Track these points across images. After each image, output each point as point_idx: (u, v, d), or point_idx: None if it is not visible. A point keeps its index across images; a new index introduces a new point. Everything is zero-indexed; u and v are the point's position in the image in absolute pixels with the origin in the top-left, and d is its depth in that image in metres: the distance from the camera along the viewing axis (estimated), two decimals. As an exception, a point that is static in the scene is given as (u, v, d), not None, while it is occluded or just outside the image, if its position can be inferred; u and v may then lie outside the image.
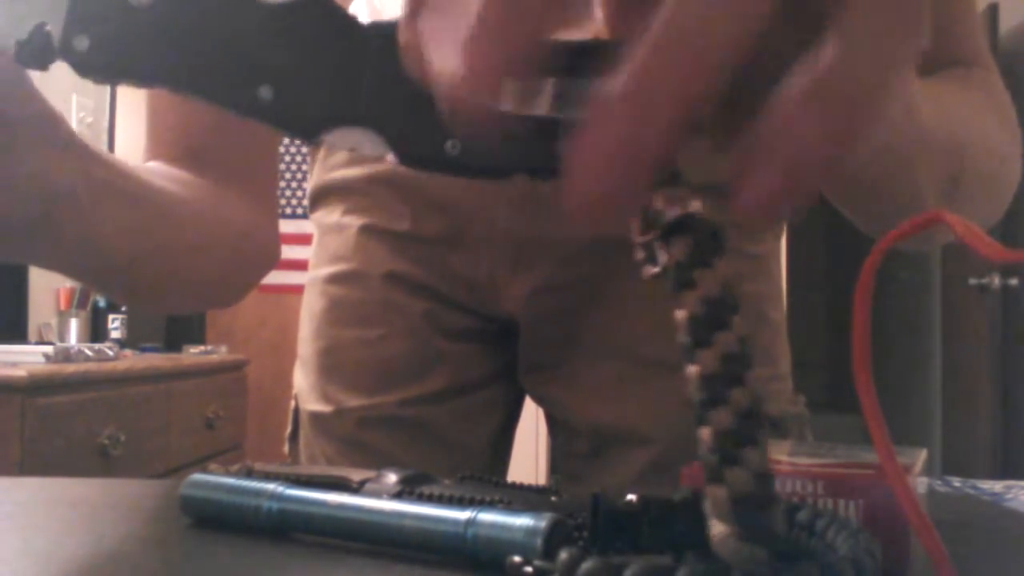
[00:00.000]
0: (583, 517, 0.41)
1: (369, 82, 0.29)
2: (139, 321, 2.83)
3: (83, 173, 0.45)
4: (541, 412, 0.81)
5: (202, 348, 2.95)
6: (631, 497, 0.32)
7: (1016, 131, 0.60)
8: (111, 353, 2.30)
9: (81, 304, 2.66)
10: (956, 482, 0.74)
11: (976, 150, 0.55)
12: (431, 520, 0.36)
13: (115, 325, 2.80)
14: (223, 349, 3.02)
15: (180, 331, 2.98)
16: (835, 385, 4.20)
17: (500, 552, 0.34)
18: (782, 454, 0.45)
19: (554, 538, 0.34)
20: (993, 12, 2.87)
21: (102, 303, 2.79)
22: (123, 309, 2.80)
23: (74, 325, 2.61)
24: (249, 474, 0.44)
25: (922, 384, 3.56)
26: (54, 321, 2.62)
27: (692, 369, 0.23)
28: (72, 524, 0.45)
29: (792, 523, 0.31)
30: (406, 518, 0.36)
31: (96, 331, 2.73)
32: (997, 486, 0.70)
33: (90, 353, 2.16)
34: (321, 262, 0.80)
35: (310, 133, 0.29)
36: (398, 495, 0.41)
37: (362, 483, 0.43)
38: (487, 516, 0.35)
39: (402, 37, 0.25)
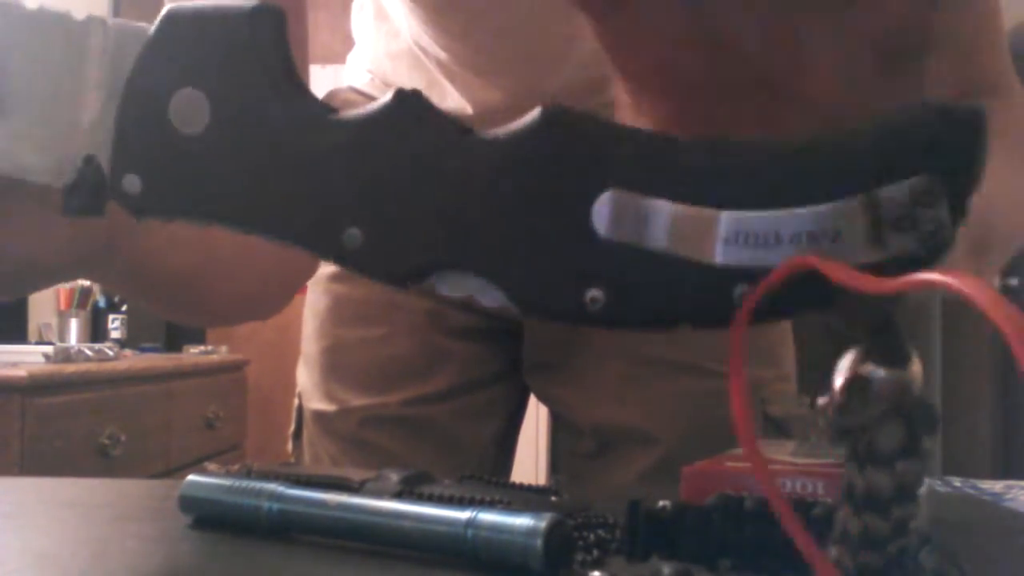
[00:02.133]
0: (583, 517, 0.41)
1: (479, 214, 0.23)
2: (139, 321, 2.82)
3: None
4: (542, 412, 0.81)
5: (202, 348, 2.94)
6: (665, 503, 0.32)
7: None
8: (111, 353, 2.30)
9: (81, 304, 2.65)
10: (956, 482, 0.74)
11: (1003, 211, 0.49)
12: (431, 520, 0.36)
13: (115, 325, 2.79)
14: (223, 349, 3.01)
15: (180, 331, 2.98)
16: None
17: (500, 552, 0.34)
18: (784, 454, 0.45)
19: (554, 539, 0.34)
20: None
21: (102, 303, 2.79)
22: (123, 309, 2.80)
23: (74, 325, 2.61)
24: (249, 474, 0.44)
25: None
26: (54, 321, 2.62)
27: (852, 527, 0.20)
28: (72, 524, 0.45)
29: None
30: (406, 518, 0.36)
31: (96, 331, 2.73)
32: (997, 486, 0.70)
33: (90, 353, 2.16)
34: None
35: (407, 280, 0.24)
36: (398, 495, 0.40)
37: (362, 483, 0.43)
38: (487, 516, 0.35)
39: None
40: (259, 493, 0.40)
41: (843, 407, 0.20)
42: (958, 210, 0.21)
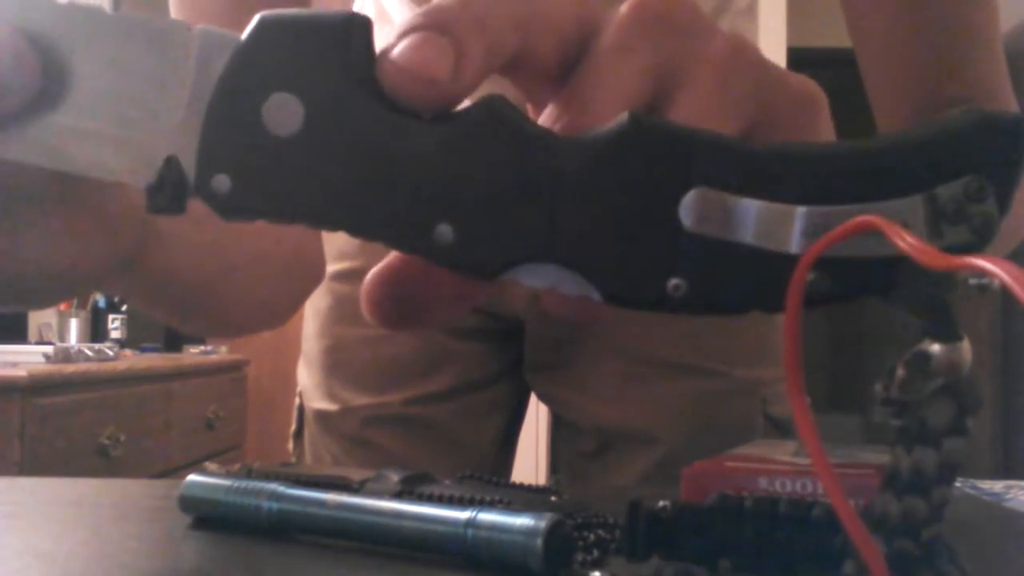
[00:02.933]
0: (583, 517, 0.41)
1: (567, 211, 0.24)
2: (139, 321, 2.82)
3: None
4: (542, 412, 0.81)
5: (202, 348, 2.94)
6: (665, 503, 0.32)
7: None
8: (111, 353, 2.30)
9: (81, 304, 2.66)
10: (956, 482, 0.74)
11: None
12: (431, 520, 0.36)
13: (115, 325, 2.79)
14: (223, 349, 3.01)
15: (180, 332, 2.98)
16: (836, 386, 4.20)
17: (500, 552, 0.34)
18: (785, 454, 0.45)
19: (554, 539, 0.34)
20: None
21: (102, 303, 2.79)
22: (123, 309, 2.80)
23: (74, 325, 2.61)
24: (249, 474, 0.44)
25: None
26: (54, 321, 2.62)
27: (893, 508, 0.22)
28: (72, 524, 0.45)
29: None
30: (406, 518, 0.36)
31: (96, 331, 2.73)
32: (997, 486, 0.69)
33: (90, 353, 2.16)
34: (327, 259, 0.80)
35: (494, 273, 0.24)
36: (398, 495, 0.41)
37: (362, 483, 0.43)
38: (487, 516, 0.35)
39: None
40: (259, 493, 0.40)
41: (905, 381, 0.21)
42: (1003, 204, 0.23)
